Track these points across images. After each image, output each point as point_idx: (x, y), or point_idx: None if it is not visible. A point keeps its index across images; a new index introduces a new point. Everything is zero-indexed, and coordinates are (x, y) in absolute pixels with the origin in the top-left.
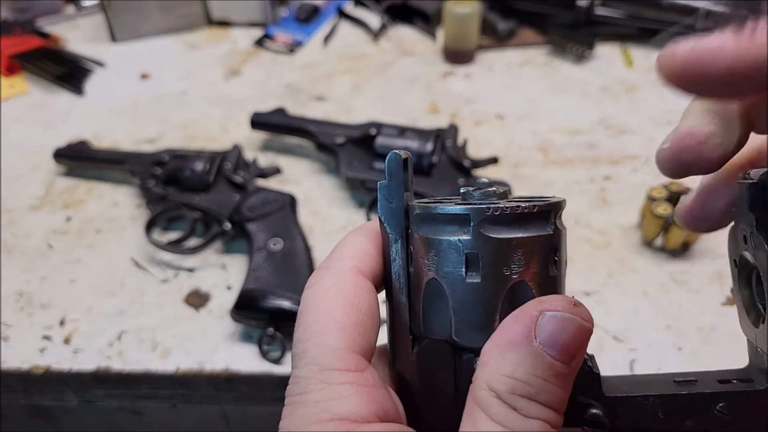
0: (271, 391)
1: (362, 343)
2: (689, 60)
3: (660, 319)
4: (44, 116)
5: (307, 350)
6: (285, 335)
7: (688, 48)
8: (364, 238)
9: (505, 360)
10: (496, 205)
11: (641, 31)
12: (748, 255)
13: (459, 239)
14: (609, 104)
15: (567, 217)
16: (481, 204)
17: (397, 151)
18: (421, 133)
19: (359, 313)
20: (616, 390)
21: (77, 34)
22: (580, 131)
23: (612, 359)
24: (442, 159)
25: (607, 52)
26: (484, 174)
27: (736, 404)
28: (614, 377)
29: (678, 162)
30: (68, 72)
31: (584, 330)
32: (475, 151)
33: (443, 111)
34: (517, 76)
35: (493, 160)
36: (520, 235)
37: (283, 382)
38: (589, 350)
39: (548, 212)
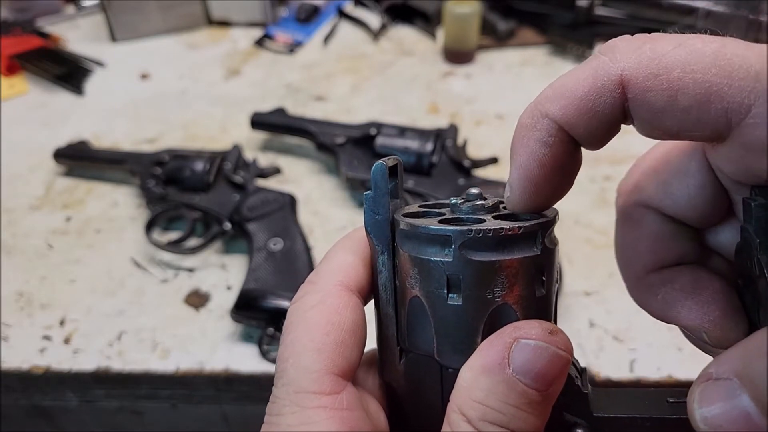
0: (271, 391)
1: (341, 364)
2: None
3: None
4: (44, 116)
5: (286, 370)
6: None
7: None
8: (352, 250)
9: (478, 385)
10: (479, 227)
11: (641, 31)
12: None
13: (441, 261)
14: None
15: (567, 217)
16: (463, 225)
17: (383, 160)
18: (421, 133)
19: (340, 331)
20: (605, 409)
21: (77, 34)
22: None
23: (612, 359)
24: (442, 159)
25: None
26: (484, 174)
27: None
28: (606, 392)
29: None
30: (68, 72)
31: (559, 359)
32: (475, 151)
33: (443, 111)
34: (517, 76)
35: (493, 160)
36: (503, 257)
37: None
38: (589, 350)
39: (534, 232)
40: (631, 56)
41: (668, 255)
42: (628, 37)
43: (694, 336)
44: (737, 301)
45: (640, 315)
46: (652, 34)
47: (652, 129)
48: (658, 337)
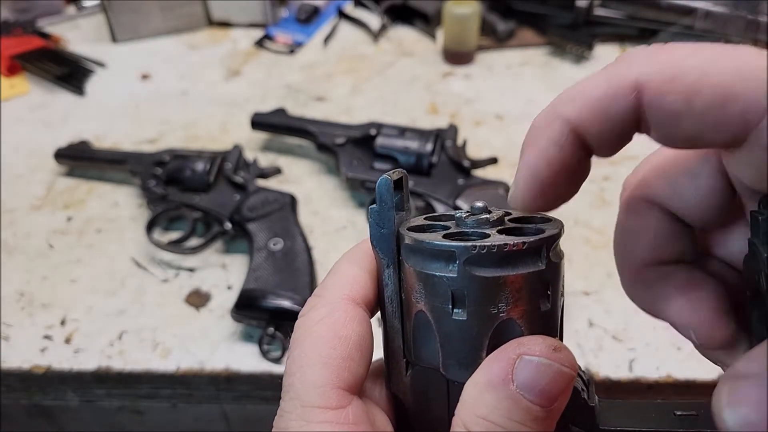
0: (271, 391)
1: (348, 378)
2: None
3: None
4: (45, 116)
5: (293, 384)
6: (285, 335)
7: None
8: (358, 262)
9: (483, 401)
10: (483, 243)
11: (640, 31)
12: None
13: (445, 276)
14: None
15: (566, 217)
16: (468, 241)
17: (387, 174)
18: (421, 134)
19: (347, 345)
20: (611, 422)
21: (78, 35)
22: None
23: (611, 359)
24: (441, 159)
25: (606, 53)
26: (484, 174)
27: None
28: (612, 404)
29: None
30: (69, 72)
31: (563, 376)
32: (474, 151)
33: (443, 111)
34: (516, 76)
35: (493, 161)
36: (507, 273)
37: None
38: (589, 350)
39: (539, 247)
40: (647, 62)
41: (667, 252)
42: (645, 46)
43: (682, 334)
44: (729, 303)
45: (638, 315)
46: (668, 43)
47: (669, 134)
48: (656, 337)
